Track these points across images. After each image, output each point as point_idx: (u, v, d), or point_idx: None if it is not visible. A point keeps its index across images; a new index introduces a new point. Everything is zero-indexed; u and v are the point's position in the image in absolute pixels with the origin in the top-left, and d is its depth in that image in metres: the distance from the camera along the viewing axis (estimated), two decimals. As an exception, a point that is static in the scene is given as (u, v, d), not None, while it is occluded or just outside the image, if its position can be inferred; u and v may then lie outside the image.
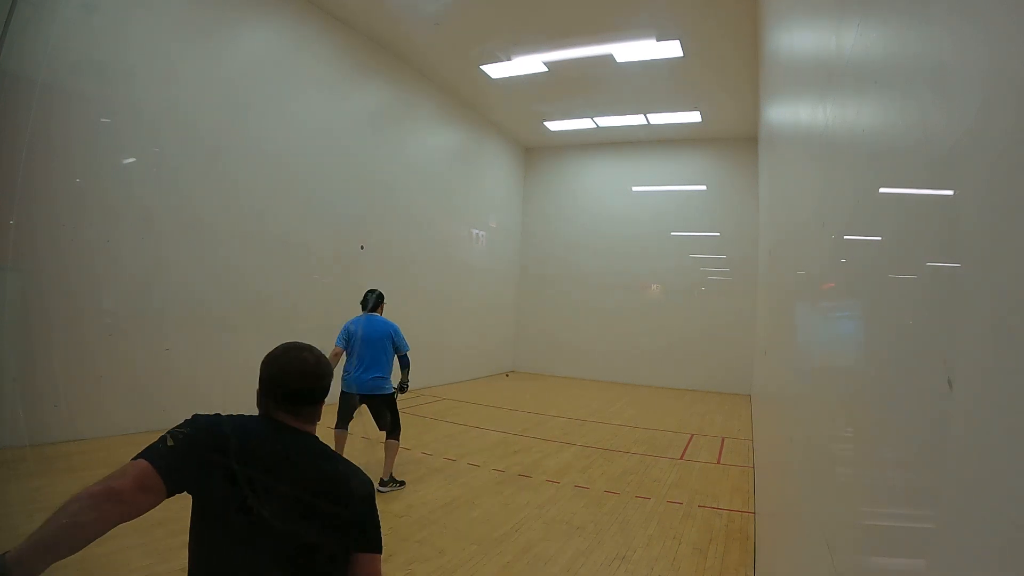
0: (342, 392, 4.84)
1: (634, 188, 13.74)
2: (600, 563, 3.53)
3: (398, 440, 4.80)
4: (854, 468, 1.02)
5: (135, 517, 1.11)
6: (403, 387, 4.89)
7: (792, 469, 2.01)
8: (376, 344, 4.75)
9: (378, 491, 4.76)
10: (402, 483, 4.83)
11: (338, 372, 4.77)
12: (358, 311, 4.96)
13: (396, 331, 4.87)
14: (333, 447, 4.50)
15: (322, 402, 1.43)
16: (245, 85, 7.04)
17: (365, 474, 1.42)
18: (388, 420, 4.80)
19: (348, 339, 4.77)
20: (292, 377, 1.36)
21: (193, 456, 1.22)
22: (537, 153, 14.97)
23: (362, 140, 9.13)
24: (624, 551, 3.73)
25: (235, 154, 6.92)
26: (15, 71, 4.55)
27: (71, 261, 5.24)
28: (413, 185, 10.45)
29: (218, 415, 1.32)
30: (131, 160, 5.85)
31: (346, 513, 1.31)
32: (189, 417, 1.31)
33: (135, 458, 1.16)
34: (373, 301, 4.94)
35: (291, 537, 1.24)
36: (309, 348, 1.45)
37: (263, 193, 7.31)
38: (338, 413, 4.87)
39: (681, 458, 6.47)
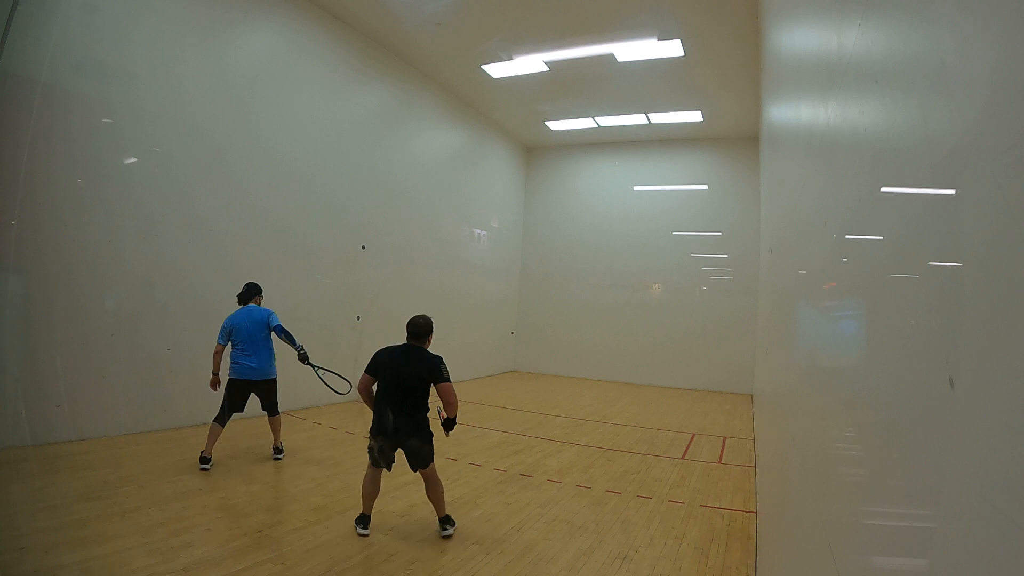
0: (230, 380, 4.99)
1: (635, 187, 13.73)
2: (602, 563, 3.53)
3: (279, 415, 5.34)
4: (855, 467, 1.02)
5: (372, 387, 3.78)
6: (303, 356, 5.16)
7: (794, 468, 2.01)
8: (254, 333, 5.06)
9: (274, 459, 5.28)
10: (281, 452, 5.34)
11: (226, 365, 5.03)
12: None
13: (271, 315, 5.19)
14: (207, 440, 4.76)
15: (427, 335, 3.88)
16: (246, 85, 7.05)
17: (436, 354, 3.74)
18: (272, 402, 5.23)
19: (230, 334, 5.02)
20: (410, 325, 3.85)
21: (377, 361, 3.75)
22: (538, 152, 14.97)
23: (363, 140, 9.13)
24: (626, 551, 3.73)
25: (236, 154, 6.93)
26: (16, 71, 4.56)
27: (73, 261, 5.25)
28: (415, 184, 10.45)
29: (387, 346, 3.80)
30: (133, 160, 5.86)
31: (430, 368, 3.66)
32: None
33: (364, 372, 3.77)
34: (246, 293, 5.29)
35: (409, 384, 3.65)
36: (423, 316, 3.90)
37: (264, 193, 7.32)
38: (221, 405, 4.96)
39: (683, 458, 6.47)
